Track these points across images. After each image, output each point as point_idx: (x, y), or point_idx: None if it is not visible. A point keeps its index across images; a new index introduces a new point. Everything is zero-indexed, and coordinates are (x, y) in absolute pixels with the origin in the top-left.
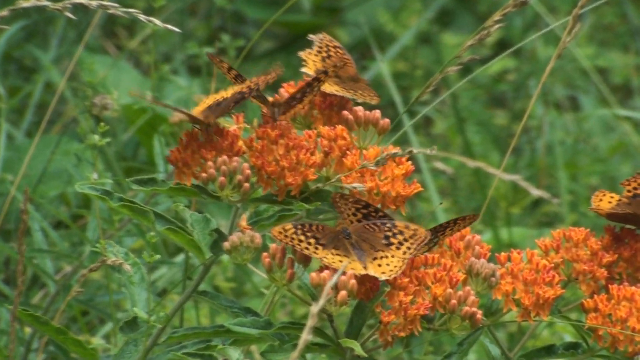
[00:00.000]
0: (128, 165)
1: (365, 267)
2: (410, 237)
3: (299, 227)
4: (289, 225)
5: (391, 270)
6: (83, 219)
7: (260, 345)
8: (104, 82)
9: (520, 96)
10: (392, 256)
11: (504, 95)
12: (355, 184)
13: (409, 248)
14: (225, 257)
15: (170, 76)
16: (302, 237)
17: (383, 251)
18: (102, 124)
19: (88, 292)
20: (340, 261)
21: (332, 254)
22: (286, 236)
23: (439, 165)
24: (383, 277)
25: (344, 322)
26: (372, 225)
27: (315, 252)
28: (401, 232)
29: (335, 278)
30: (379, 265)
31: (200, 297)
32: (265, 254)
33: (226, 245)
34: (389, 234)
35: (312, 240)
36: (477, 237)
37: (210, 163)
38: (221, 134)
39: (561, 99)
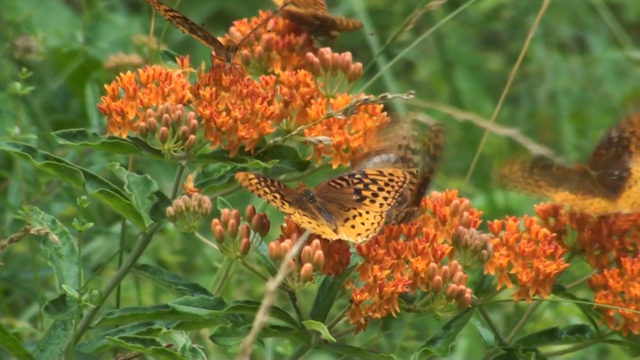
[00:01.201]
0: (57, 118)
1: (336, 231)
2: (386, 184)
3: (262, 179)
4: (252, 175)
5: (368, 230)
6: (5, 182)
7: (211, 329)
8: (28, 22)
9: (518, 36)
10: (367, 212)
11: (499, 36)
12: (320, 138)
13: (385, 198)
14: (170, 226)
15: (105, 14)
16: (267, 189)
17: (355, 209)
18: (25, 69)
19: (11, 268)
20: (309, 222)
21: (300, 213)
22: (251, 184)
23: (422, 117)
24: (360, 241)
25: (309, 301)
26: (339, 181)
27: (282, 207)
28: (374, 181)
29: (296, 247)
30: (352, 226)
31: (139, 272)
32: (215, 220)
33: (170, 210)
34: (360, 186)
35: (277, 195)
36: (466, 201)
37: (150, 111)
38: (164, 78)
39: (566, 39)
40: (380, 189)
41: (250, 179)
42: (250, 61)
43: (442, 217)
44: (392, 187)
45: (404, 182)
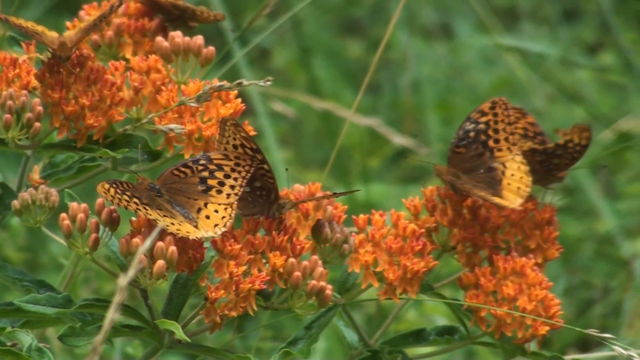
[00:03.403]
0: None
1: (197, 226)
2: (233, 169)
3: (114, 185)
4: (106, 185)
5: (224, 217)
6: None
7: (59, 328)
8: None
9: (379, 22)
10: (218, 204)
11: (359, 21)
12: (171, 126)
13: (232, 187)
14: (14, 221)
15: None
16: (126, 197)
17: (202, 200)
18: None
19: None
20: (172, 224)
21: (160, 215)
22: (112, 197)
23: (279, 107)
24: (219, 233)
25: (162, 299)
26: (183, 169)
27: (148, 214)
28: (220, 167)
29: (149, 241)
30: (207, 217)
31: None
32: (63, 215)
33: (15, 204)
34: (205, 174)
35: (136, 200)
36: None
37: None
38: (9, 63)
39: (431, 25)
40: (227, 176)
41: (108, 190)
42: (100, 46)
43: (304, 212)
44: (239, 172)
45: (250, 167)
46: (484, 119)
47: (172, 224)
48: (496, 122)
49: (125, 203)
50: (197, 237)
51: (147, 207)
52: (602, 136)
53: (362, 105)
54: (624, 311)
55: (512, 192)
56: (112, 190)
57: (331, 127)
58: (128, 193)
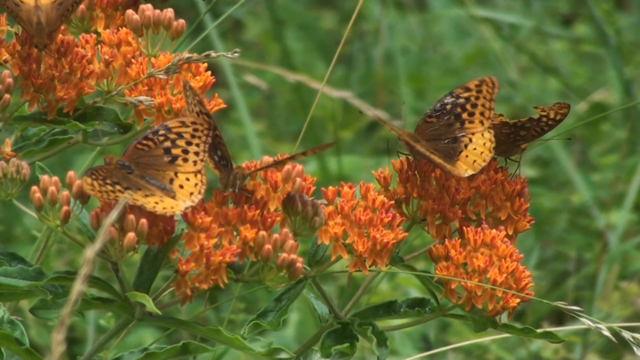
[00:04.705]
0: None
1: (175, 197)
2: (192, 135)
3: (94, 175)
4: (88, 179)
5: (197, 184)
6: None
7: (30, 301)
8: None
9: None
10: (188, 172)
11: None
12: (141, 98)
13: (197, 153)
14: None
15: None
16: (110, 187)
17: (171, 170)
18: None
19: None
20: (157, 203)
21: (142, 196)
22: (100, 192)
23: (251, 79)
24: (196, 201)
25: (133, 272)
26: (145, 142)
27: (135, 200)
28: (180, 135)
29: (115, 212)
30: (181, 186)
31: None
32: (34, 187)
33: None
34: (168, 144)
35: (118, 187)
36: (299, 167)
37: None
38: None
39: None
40: (189, 143)
41: (93, 185)
42: (72, 20)
43: (273, 184)
44: (200, 137)
45: (209, 130)
46: (465, 94)
47: (157, 202)
48: (477, 98)
49: (113, 195)
50: (181, 211)
51: (130, 192)
52: (576, 108)
53: (335, 77)
54: (598, 283)
55: (466, 164)
56: (95, 184)
57: (304, 100)
58: (108, 180)
